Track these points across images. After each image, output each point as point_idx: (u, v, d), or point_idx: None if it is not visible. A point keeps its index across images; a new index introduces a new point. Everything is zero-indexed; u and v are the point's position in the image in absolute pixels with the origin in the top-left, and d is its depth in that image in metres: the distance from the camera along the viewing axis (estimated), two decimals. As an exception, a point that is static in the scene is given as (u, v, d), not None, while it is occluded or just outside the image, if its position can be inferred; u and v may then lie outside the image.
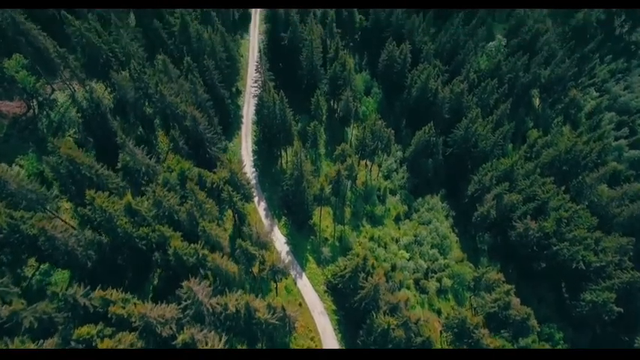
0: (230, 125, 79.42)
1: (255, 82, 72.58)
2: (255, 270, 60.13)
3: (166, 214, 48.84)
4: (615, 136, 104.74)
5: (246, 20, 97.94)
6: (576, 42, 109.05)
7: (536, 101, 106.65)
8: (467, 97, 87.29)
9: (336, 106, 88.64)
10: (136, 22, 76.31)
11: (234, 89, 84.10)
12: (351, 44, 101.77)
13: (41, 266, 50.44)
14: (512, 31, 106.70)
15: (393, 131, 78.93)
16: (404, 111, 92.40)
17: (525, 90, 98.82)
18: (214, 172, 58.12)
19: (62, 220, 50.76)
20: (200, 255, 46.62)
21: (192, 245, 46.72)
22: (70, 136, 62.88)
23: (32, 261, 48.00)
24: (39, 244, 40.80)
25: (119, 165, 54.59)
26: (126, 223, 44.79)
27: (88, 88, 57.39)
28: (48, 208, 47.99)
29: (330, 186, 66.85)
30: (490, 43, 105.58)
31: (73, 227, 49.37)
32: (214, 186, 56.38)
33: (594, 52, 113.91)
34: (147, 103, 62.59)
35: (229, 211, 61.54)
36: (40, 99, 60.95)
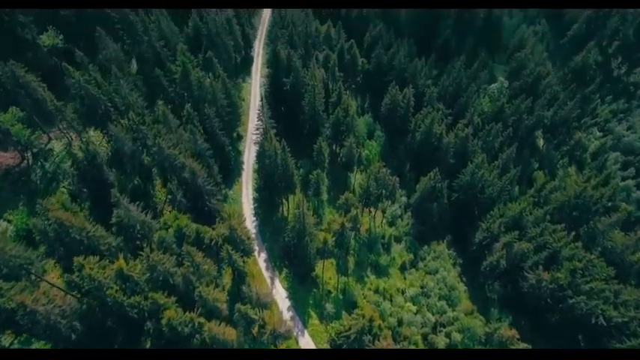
0: (230, 172, 76.98)
1: (257, 129, 70.62)
2: (254, 331, 56.13)
3: (161, 278, 45.45)
4: (622, 177, 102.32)
5: (248, 63, 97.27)
6: (577, 84, 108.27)
7: (540, 142, 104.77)
8: (472, 142, 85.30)
9: (338, 150, 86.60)
10: (137, 69, 75.18)
11: (235, 134, 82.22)
12: (353, 86, 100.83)
13: (19, 337, 46.75)
14: (514, 74, 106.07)
15: (397, 179, 76.38)
16: (408, 154, 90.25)
17: (529, 132, 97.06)
18: (213, 228, 55.07)
19: (47, 282, 47.21)
20: (196, 324, 42.92)
21: (187, 314, 43.09)
22: (64, 187, 60.31)
23: (9, 332, 44.30)
24: (17, 319, 37.30)
25: (113, 219, 51.75)
26: (116, 291, 41.31)
27: (84, 139, 55.20)
28: (33, 271, 44.63)
29: (334, 239, 63.76)
30: (492, 85, 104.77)
31: (59, 288, 45.90)
32: (213, 243, 53.20)
33: (595, 92, 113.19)
34: (145, 153, 60.18)
35: (228, 268, 58.08)
36: (35, 150, 58.67)
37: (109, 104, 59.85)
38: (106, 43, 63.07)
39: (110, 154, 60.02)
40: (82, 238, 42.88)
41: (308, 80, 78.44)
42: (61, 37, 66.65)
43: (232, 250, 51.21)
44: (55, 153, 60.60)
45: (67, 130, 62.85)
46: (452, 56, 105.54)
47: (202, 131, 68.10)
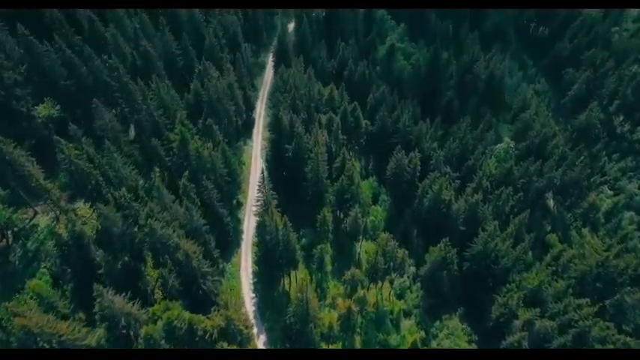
0: (229, 244, 71.82)
1: (257, 201, 66.24)
2: None
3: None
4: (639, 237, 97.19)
5: (249, 126, 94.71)
6: (583, 143, 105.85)
7: (551, 202, 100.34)
8: (482, 208, 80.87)
9: (342, 216, 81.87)
10: (135, 136, 72.10)
11: (234, 202, 77.92)
12: (357, 148, 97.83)
13: None
14: (519, 134, 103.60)
15: (407, 252, 71.15)
16: (415, 220, 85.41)
17: (540, 194, 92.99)
18: (208, 317, 49.28)
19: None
20: None
21: None
22: (45, 267, 55.13)
23: None
24: None
25: (96, 308, 46.23)
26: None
27: (70, 218, 50.67)
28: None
29: (339, 322, 57.77)
30: (498, 145, 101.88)
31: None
32: (207, 336, 47.19)
33: (601, 150, 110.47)
34: (136, 231, 55.36)
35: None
36: (16, 228, 54.00)
37: (101, 178, 55.84)
38: (102, 114, 60.11)
39: (98, 230, 55.18)
40: (52, 345, 37.17)
41: (311, 146, 75.28)
42: (58, 107, 63.93)
43: (228, 346, 45.21)
44: (39, 229, 55.90)
45: (53, 204, 58.38)
46: (456, 116, 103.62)
47: (200, 203, 63.98)
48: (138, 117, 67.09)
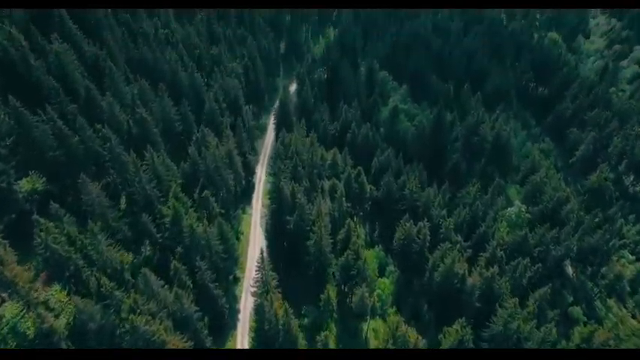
0: (224, 327, 64.33)
1: (256, 282, 59.78)
2: None
3: None
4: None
5: (249, 191, 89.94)
6: (596, 205, 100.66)
7: (570, 270, 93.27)
8: (498, 282, 74.01)
9: (346, 290, 74.86)
10: (125, 208, 66.82)
11: (231, 277, 71.25)
12: (361, 214, 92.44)
13: None
14: (530, 197, 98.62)
15: (422, 339, 63.55)
16: (425, 293, 78.34)
17: (558, 263, 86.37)
18: None
19: None
20: None
21: None
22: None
23: None
24: None
25: None
26: None
27: (38, 313, 44.17)
28: None
29: None
30: (509, 209, 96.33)
31: None
32: None
33: (617, 212, 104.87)
34: (117, 323, 48.56)
35: None
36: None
37: (82, 262, 49.83)
38: (89, 190, 55.22)
39: (72, 324, 48.32)
40: None
41: (313, 218, 69.97)
42: (43, 179, 59.27)
43: None
44: (3, 321, 49.04)
45: (24, 292, 51.80)
46: (463, 179, 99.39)
47: (192, 285, 57.60)
48: (130, 190, 62.19)
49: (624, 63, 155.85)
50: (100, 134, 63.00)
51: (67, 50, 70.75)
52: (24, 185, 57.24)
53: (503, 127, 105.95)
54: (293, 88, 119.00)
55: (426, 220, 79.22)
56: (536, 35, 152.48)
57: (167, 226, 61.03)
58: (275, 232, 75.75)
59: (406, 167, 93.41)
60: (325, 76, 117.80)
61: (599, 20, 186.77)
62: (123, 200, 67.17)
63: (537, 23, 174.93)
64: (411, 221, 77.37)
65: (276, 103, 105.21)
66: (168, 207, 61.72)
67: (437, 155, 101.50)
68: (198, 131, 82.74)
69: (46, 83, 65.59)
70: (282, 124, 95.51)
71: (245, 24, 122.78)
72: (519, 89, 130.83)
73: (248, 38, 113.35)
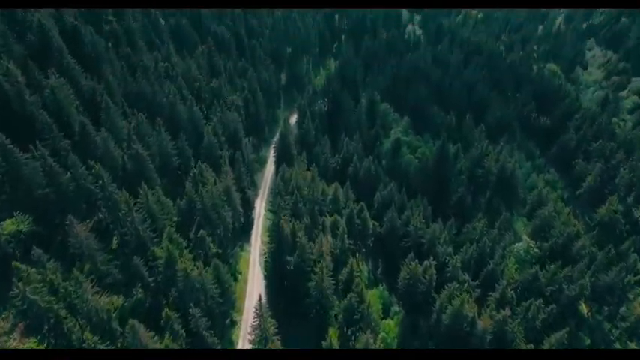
0: (218, 377, 59.53)
1: (254, 329, 55.53)
2: None
3: None
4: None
5: (247, 227, 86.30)
6: (607, 239, 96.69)
7: (584, 309, 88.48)
8: (511, 325, 69.44)
9: (349, 332, 70.10)
10: (116, 249, 63.19)
11: (227, 321, 66.75)
12: (364, 250, 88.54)
13: None
14: (538, 231, 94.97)
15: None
16: (432, 336, 73.58)
17: (572, 302, 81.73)
18: None
19: None
20: None
21: None
22: None
23: None
24: None
25: None
26: None
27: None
28: None
29: None
30: (517, 244, 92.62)
31: None
32: None
33: (630, 247, 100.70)
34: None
35: None
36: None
37: (64, 311, 45.84)
38: (77, 233, 51.79)
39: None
40: None
41: (315, 257, 66.31)
42: (29, 220, 55.97)
43: None
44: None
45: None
46: (468, 212, 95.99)
47: (185, 334, 53.35)
48: (122, 230, 58.79)
49: (623, 94, 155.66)
50: (93, 171, 60.00)
51: (64, 84, 69.00)
52: (7, 227, 53.91)
53: (507, 159, 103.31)
54: (294, 119, 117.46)
55: (431, 258, 75.46)
56: (535, 67, 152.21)
57: (160, 269, 57.25)
58: (274, 272, 71.82)
59: (410, 202, 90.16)
60: (326, 107, 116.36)
61: (595, 52, 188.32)
62: (114, 241, 63.69)
63: (535, 55, 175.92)
64: (417, 260, 73.51)
65: (277, 136, 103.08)
66: (162, 248, 58.14)
67: (441, 189, 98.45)
68: (196, 166, 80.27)
69: (40, 118, 63.37)
70: (283, 158, 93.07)
71: (246, 56, 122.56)
72: (521, 120, 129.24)
73: (249, 70, 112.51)
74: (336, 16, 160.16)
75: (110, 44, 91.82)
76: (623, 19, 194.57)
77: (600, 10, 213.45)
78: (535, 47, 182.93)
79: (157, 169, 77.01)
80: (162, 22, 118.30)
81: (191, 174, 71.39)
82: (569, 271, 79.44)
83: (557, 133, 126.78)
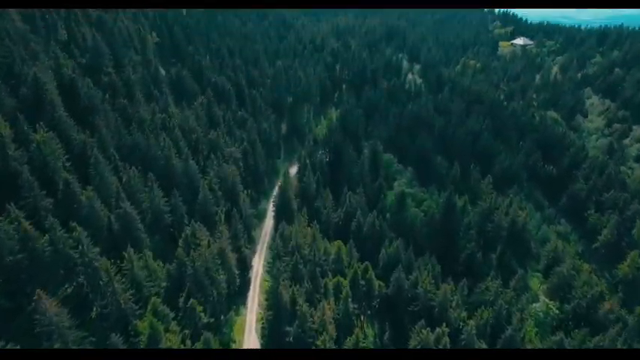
0: None
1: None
2: None
3: None
4: None
5: (243, 289, 79.13)
6: (632, 299, 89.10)
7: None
8: (539, 406, 60.90)
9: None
10: (94, 321, 56.10)
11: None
12: (369, 312, 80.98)
13: None
14: (555, 291, 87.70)
15: None
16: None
17: (601, 374, 73.09)
18: None
19: None
20: None
21: None
22: None
23: None
24: None
25: None
26: None
27: None
28: None
29: None
30: (535, 305, 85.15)
31: None
32: None
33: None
34: None
35: None
36: None
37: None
38: (45, 310, 45.29)
39: None
40: None
41: (316, 327, 59.18)
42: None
43: None
44: None
45: None
46: (479, 270, 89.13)
47: None
48: (101, 302, 52.25)
49: (627, 142, 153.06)
50: (74, 234, 54.38)
51: (52, 139, 65.00)
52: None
53: (518, 212, 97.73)
54: (294, 170, 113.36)
55: (444, 324, 68.01)
56: (537, 115, 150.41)
57: (142, 347, 50.12)
58: (272, 342, 64.26)
59: (417, 260, 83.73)
60: (327, 158, 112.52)
61: (593, 100, 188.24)
62: (94, 311, 56.84)
63: (535, 103, 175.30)
64: (428, 328, 66.08)
65: (276, 189, 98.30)
66: (144, 321, 51.35)
67: (449, 244, 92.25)
68: (190, 223, 74.95)
69: (23, 175, 58.72)
70: (282, 213, 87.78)
71: (246, 106, 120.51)
72: (527, 169, 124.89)
73: (248, 121, 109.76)
74: (337, 66, 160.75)
75: (107, 95, 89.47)
76: (616, 69, 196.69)
77: (593, 60, 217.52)
78: (534, 95, 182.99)
79: (147, 226, 71.77)
80: (163, 72, 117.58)
81: (183, 235, 65.55)
82: (600, 340, 71.37)
83: (565, 182, 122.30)
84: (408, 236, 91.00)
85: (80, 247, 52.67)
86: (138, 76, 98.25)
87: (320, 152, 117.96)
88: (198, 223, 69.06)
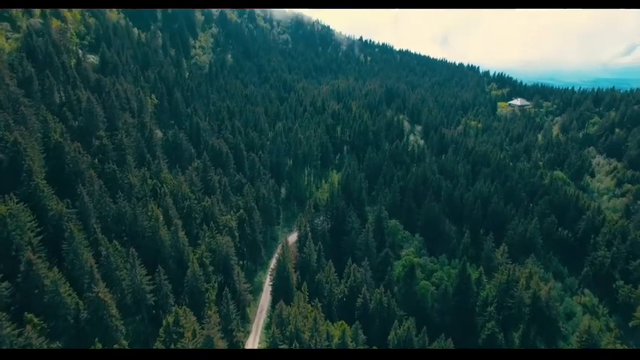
0: None
1: None
2: None
3: None
4: None
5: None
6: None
7: None
8: None
9: None
10: None
11: None
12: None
13: None
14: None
15: None
16: None
17: None
18: None
19: None
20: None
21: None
22: None
23: None
24: None
25: None
26: None
27: None
28: None
29: None
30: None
31: None
32: None
33: None
34: None
35: None
36: None
37: None
38: None
39: None
40: None
41: None
42: None
43: None
44: None
45: None
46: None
47: None
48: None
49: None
50: (24, 333, 45.41)
51: (23, 211, 58.18)
52: None
53: (540, 285, 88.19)
54: (294, 238, 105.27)
55: None
56: (545, 176, 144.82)
57: None
58: None
59: (432, 344, 73.11)
60: (329, 226, 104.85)
61: (598, 160, 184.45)
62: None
63: (541, 163, 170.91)
64: None
65: (273, 260, 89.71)
66: None
67: (466, 324, 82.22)
68: (175, 302, 66.02)
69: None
70: (280, 290, 78.60)
71: (244, 170, 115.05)
72: (543, 234, 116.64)
73: (246, 186, 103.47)
74: (338, 128, 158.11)
75: (97, 160, 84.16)
76: (617, 130, 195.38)
77: (591, 120, 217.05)
78: (539, 154, 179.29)
79: (127, 308, 62.85)
80: (160, 134, 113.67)
81: (164, 322, 56.24)
82: None
83: (584, 247, 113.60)
84: (420, 314, 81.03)
85: (31, 344, 43.54)
86: (131, 139, 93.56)
87: (321, 218, 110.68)
88: (184, 307, 59.84)
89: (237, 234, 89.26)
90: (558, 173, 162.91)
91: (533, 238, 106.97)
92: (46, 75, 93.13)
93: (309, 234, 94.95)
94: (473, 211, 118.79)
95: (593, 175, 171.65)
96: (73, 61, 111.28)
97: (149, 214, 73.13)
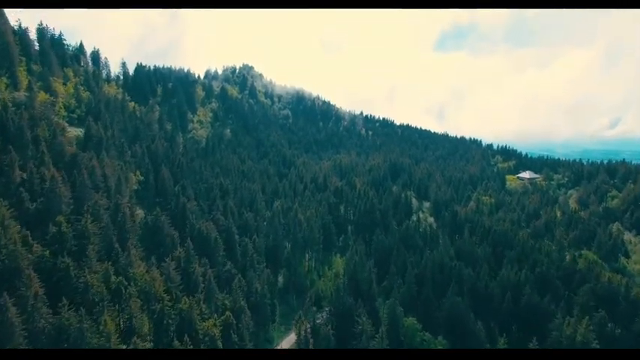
0: None
1: None
2: None
3: None
4: None
5: None
6: None
7: None
8: None
9: None
10: None
11: None
12: None
13: None
14: None
15: None
16: None
17: None
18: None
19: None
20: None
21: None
22: None
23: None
24: None
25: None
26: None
27: None
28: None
29: None
30: None
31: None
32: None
33: None
34: None
35: None
36: None
37: None
38: None
39: None
40: None
41: None
42: None
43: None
44: None
45: None
46: None
47: None
48: None
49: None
50: None
51: None
52: None
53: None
54: (292, 339, 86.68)
55: None
56: (578, 260, 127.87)
57: None
58: None
59: None
60: (333, 327, 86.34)
61: (629, 237, 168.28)
62: None
63: (566, 243, 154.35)
64: None
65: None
66: None
67: None
68: None
69: None
70: None
71: (235, 258, 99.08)
72: (597, 336, 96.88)
73: (236, 279, 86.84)
74: (341, 207, 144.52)
75: (48, 253, 68.90)
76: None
77: (611, 194, 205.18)
78: (560, 230, 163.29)
79: None
80: (142, 214, 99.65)
81: None
82: None
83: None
84: None
85: None
86: (99, 225, 79.09)
87: (325, 314, 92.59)
88: None
89: (220, 344, 70.96)
90: (588, 254, 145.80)
91: (587, 343, 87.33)
92: (8, 150, 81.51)
93: (311, 339, 76.79)
94: (502, 305, 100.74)
95: (628, 256, 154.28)
96: (47, 135, 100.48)
97: (100, 328, 56.18)
